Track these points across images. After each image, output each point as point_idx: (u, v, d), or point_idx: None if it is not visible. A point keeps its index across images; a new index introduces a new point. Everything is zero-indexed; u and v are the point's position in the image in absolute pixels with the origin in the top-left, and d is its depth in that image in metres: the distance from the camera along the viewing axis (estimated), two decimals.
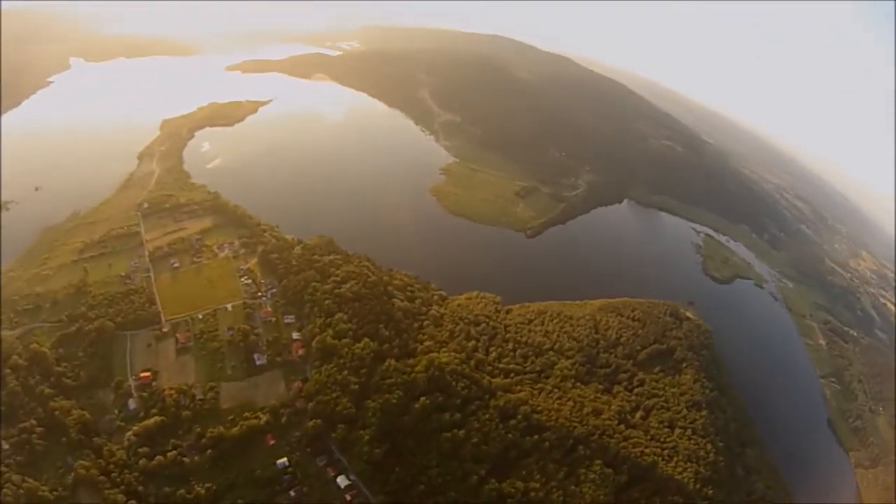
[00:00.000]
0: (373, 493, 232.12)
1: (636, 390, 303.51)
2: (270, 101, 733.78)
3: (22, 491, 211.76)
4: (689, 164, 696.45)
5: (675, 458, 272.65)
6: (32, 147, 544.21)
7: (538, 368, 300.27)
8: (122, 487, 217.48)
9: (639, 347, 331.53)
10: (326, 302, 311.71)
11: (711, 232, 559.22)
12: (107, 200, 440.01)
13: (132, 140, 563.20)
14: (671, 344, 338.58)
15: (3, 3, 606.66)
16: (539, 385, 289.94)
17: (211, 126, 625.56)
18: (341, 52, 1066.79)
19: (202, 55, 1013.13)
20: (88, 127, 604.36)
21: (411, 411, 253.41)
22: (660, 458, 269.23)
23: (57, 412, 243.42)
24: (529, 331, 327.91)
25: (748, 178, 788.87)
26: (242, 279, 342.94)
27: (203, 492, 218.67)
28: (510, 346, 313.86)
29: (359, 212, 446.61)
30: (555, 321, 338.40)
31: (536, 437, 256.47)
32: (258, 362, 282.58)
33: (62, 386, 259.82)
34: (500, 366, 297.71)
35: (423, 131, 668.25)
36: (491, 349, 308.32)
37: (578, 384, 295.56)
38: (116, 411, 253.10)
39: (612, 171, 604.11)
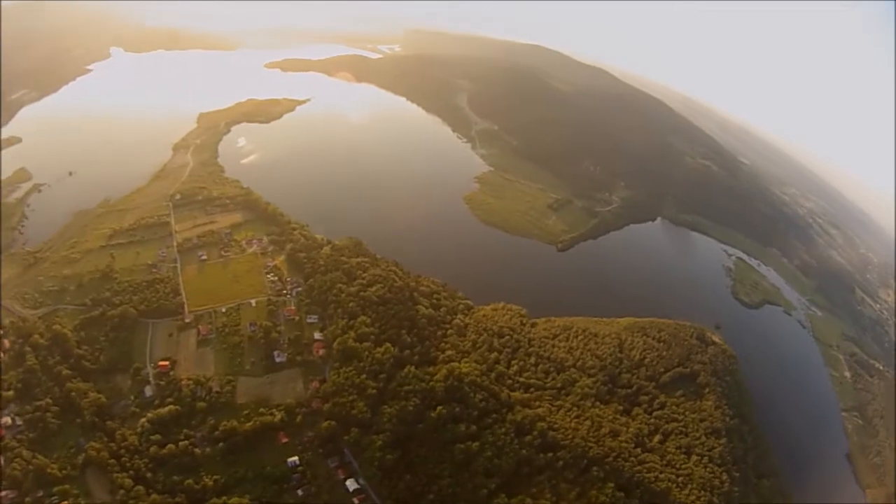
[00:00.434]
0: (381, 498, 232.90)
1: (656, 413, 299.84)
2: (308, 100, 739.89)
3: (31, 467, 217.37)
4: (724, 184, 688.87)
5: (689, 486, 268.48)
6: (68, 132, 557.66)
7: (559, 385, 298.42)
8: (131, 472, 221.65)
9: (662, 370, 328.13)
10: (351, 304, 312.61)
11: (743, 255, 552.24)
12: (139, 189, 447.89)
13: (168, 131, 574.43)
14: (695, 368, 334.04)
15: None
16: (558, 402, 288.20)
17: (248, 122, 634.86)
18: (382, 55, 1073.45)
19: (242, 51, 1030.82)
20: (125, 116, 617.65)
21: (427, 420, 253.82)
22: (674, 486, 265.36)
23: (73, 393, 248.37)
24: (553, 346, 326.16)
25: (782, 201, 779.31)
26: (268, 276, 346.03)
27: (211, 483, 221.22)
28: (532, 360, 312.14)
29: (390, 216, 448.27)
30: (580, 338, 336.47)
31: (551, 454, 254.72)
32: (278, 360, 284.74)
33: (81, 368, 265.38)
34: (521, 380, 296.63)
35: (459, 138, 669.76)
36: (513, 362, 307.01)
37: (598, 403, 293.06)
38: (132, 397, 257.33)
39: (647, 187, 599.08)
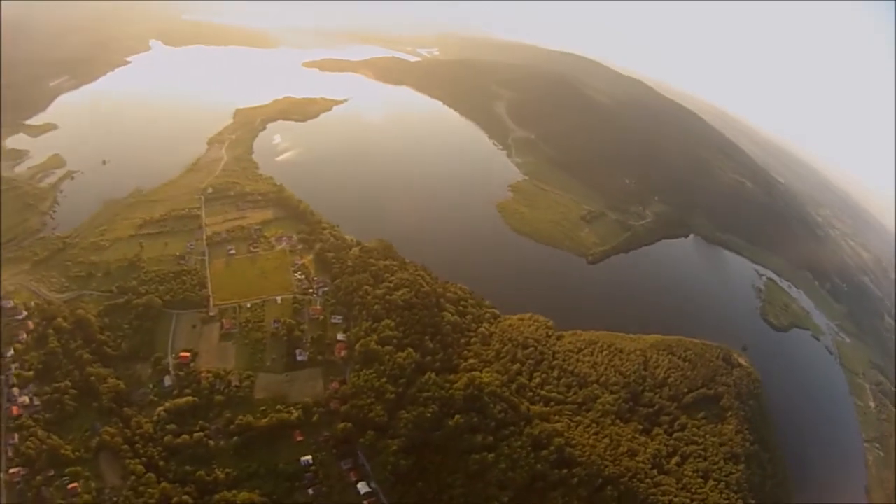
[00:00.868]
0: (391, 503, 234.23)
1: (676, 435, 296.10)
2: (345, 100, 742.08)
3: (45, 447, 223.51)
4: (758, 202, 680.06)
5: None
6: (104, 122, 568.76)
7: (580, 400, 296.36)
8: (144, 459, 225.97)
9: (686, 390, 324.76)
10: (376, 307, 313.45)
11: (774, 276, 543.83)
12: (172, 181, 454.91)
13: (204, 125, 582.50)
14: (719, 390, 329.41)
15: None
16: (578, 417, 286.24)
17: (284, 119, 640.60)
18: (420, 59, 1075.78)
19: (281, 49, 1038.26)
20: (161, 108, 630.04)
21: (444, 427, 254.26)
22: None
23: (93, 378, 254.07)
24: (577, 360, 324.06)
25: (815, 222, 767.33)
26: (296, 274, 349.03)
27: (223, 476, 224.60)
28: (555, 373, 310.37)
29: (422, 220, 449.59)
30: (605, 353, 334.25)
31: (566, 471, 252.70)
32: (299, 358, 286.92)
33: (102, 354, 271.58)
34: (542, 393, 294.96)
35: (495, 145, 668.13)
36: (535, 374, 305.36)
37: (618, 421, 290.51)
38: (151, 386, 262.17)
39: (681, 203, 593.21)
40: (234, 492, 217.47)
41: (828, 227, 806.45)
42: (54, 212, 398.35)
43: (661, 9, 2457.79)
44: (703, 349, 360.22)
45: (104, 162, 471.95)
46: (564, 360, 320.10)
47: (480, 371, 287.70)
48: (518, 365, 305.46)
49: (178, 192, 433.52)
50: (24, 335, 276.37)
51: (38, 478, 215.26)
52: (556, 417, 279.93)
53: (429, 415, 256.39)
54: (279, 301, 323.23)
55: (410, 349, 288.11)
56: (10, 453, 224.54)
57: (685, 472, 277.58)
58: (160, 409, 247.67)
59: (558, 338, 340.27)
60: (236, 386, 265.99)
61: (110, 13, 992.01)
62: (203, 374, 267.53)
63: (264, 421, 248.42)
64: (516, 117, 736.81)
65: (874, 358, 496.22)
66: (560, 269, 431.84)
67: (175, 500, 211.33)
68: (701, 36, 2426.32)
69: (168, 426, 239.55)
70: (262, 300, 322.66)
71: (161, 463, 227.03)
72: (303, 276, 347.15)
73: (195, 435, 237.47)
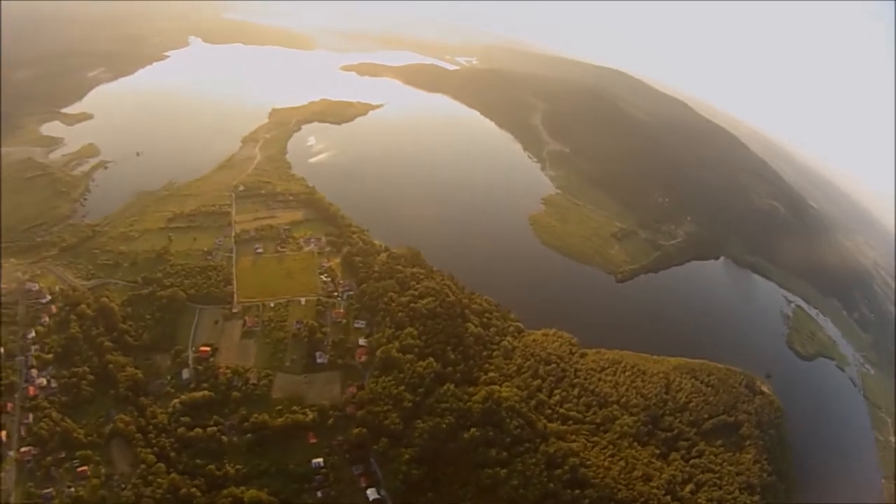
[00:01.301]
0: None
1: (692, 461, 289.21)
2: (382, 105, 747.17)
3: (58, 428, 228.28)
4: (791, 227, 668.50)
5: None
6: (140, 114, 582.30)
7: (598, 420, 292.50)
8: (156, 449, 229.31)
9: (706, 416, 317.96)
10: (400, 314, 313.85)
11: (802, 303, 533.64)
12: (204, 177, 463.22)
13: (239, 123, 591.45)
14: (740, 417, 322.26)
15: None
16: (595, 438, 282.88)
17: (319, 122, 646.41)
18: (458, 67, 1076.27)
19: (319, 51, 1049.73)
20: (198, 104, 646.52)
21: (459, 440, 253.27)
22: None
23: (111, 365, 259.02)
24: (599, 379, 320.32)
25: (846, 249, 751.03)
26: (322, 276, 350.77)
27: (233, 472, 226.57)
28: (576, 391, 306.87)
29: (452, 229, 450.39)
30: (627, 373, 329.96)
31: (578, 491, 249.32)
32: (319, 360, 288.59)
33: (123, 342, 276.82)
34: (561, 411, 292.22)
35: (530, 158, 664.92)
36: (555, 392, 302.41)
37: (635, 444, 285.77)
38: (169, 377, 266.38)
39: (713, 224, 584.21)
40: (243, 488, 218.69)
41: (858, 254, 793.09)
42: (85, 200, 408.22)
43: (661, 9, 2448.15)
44: (727, 374, 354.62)
45: (138, 154, 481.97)
46: (586, 379, 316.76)
47: (500, 385, 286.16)
48: (539, 381, 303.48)
49: (210, 188, 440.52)
50: (47, 318, 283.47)
51: (49, 458, 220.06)
52: (573, 437, 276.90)
53: (444, 426, 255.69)
54: (303, 302, 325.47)
55: (431, 359, 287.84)
56: (22, 432, 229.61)
57: (699, 500, 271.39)
58: (176, 401, 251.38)
59: (581, 355, 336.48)
60: (254, 384, 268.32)
61: (151, 8, 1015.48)
62: (222, 370, 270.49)
63: (279, 420, 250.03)
64: (552, 130, 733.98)
65: None
66: (588, 286, 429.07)
67: (183, 491, 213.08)
68: (700, 36, 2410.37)
69: (182, 418, 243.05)
70: (286, 300, 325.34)
71: (172, 454, 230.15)
72: (329, 279, 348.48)
73: (209, 429, 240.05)
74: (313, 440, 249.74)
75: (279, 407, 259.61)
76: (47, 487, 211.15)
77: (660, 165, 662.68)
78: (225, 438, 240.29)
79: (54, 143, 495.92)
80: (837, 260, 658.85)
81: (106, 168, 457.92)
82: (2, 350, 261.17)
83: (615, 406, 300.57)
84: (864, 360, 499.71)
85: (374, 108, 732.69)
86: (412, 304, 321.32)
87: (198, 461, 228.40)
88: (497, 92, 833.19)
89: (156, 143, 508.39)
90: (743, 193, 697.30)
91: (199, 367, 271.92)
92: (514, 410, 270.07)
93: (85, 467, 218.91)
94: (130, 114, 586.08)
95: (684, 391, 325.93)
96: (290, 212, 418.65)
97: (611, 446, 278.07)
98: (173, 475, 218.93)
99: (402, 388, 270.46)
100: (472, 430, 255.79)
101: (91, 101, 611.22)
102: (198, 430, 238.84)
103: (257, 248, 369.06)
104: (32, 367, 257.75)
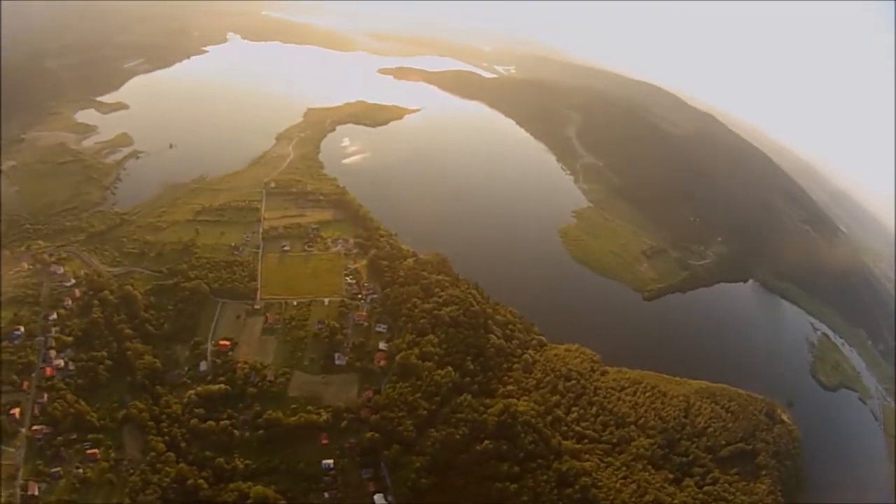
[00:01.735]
0: None
1: (706, 489, 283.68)
2: (418, 110, 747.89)
3: (72, 410, 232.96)
4: (820, 252, 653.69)
5: None
6: (175, 106, 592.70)
7: (614, 440, 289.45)
8: (167, 438, 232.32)
9: (723, 442, 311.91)
10: (422, 320, 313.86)
11: (829, 331, 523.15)
12: (236, 172, 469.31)
13: (274, 120, 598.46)
14: (757, 446, 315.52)
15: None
16: (609, 458, 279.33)
17: (354, 123, 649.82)
18: (496, 76, 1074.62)
19: (357, 53, 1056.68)
20: (233, 99, 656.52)
21: (471, 451, 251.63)
22: None
23: (129, 352, 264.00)
24: (618, 399, 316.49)
25: (874, 277, 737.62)
26: (347, 278, 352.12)
27: (241, 467, 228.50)
28: (594, 409, 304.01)
29: (481, 237, 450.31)
30: (647, 394, 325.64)
31: None
32: (337, 362, 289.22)
33: (143, 331, 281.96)
34: (577, 428, 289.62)
35: (563, 170, 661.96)
36: (573, 409, 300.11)
37: (649, 467, 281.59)
38: (186, 368, 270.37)
39: (744, 246, 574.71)
40: (250, 483, 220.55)
41: (886, 280, 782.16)
42: (116, 188, 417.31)
43: (661, 9, 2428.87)
44: (748, 401, 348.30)
45: (171, 146, 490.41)
46: (605, 397, 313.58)
47: (518, 399, 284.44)
48: (557, 397, 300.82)
49: (241, 184, 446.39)
50: (70, 302, 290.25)
51: (60, 438, 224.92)
52: (587, 456, 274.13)
53: (458, 436, 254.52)
54: (326, 303, 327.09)
55: (450, 368, 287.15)
56: (36, 411, 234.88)
57: None
58: (191, 392, 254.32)
59: (603, 373, 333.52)
60: (270, 381, 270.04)
61: (192, 6, 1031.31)
62: (240, 365, 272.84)
63: (293, 419, 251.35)
64: (586, 143, 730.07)
65: None
66: (614, 303, 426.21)
67: (190, 482, 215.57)
68: (700, 35, 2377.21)
69: (196, 410, 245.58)
70: (309, 299, 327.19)
71: (183, 444, 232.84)
72: (353, 281, 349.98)
73: (221, 422, 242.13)
74: (325, 441, 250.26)
75: (294, 405, 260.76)
76: (56, 466, 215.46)
77: (692, 183, 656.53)
78: (237, 433, 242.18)
79: (88, 130, 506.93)
80: (866, 288, 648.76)
81: (138, 158, 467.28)
82: (22, 329, 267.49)
83: (632, 427, 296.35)
84: (887, 392, 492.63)
85: (409, 112, 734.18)
86: (435, 312, 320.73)
87: (207, 453, 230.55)
88: (534, 102, 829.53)
89: (189, 136, 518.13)
90: (774, 215, 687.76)
91: (218, 361, 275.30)
92: (530, 425, 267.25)
93: (95, 450, 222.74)
94: (166, 106, 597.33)
95: (703, 416, 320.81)
96: (320, 211, 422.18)
97: (624, 468, 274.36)
98: (182, 465, 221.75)
99: (419, 395, 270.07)
100: (486, 442, 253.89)
101: (127, 92, 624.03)
102: (210, 422, 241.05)
103: (284, 246, 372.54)
104: (51, 348, 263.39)
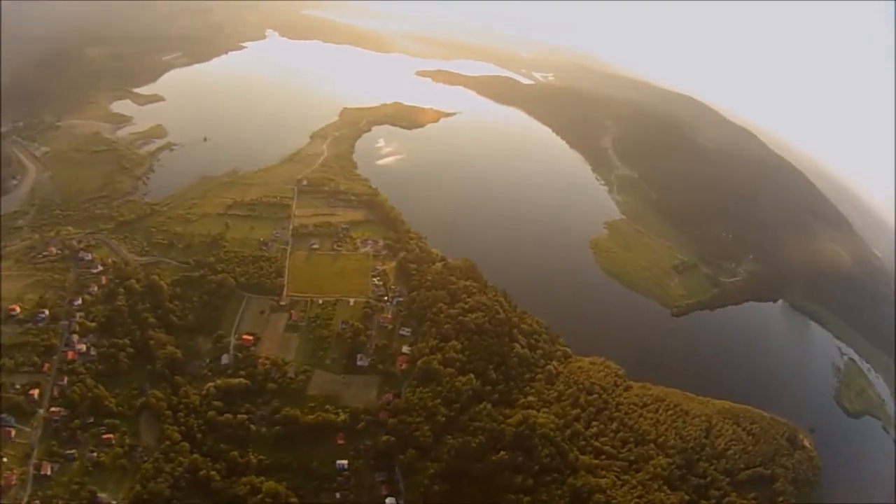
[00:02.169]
0: None
1: None
2: (455, 114, 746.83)
3: (90, 394, 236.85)
4: (853, 276, 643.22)
5: None
6: (211, 100, 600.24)
7: (632, 458, 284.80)
8: (183, 428, 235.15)
9: (742, 466, 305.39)
10: (446, 326, 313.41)
11: (856, 356, 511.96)
12: (269, 168, 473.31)
13: (309, 118, 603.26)
14: (776, 471, 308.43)
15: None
16: (625, 476, 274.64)
17: (390, 125, 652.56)
18: (535, 83, 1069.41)
19: (395, 54, 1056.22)
20: (270, 96, 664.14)
21: (486, 461, 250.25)
22: None
23: (152, 342, 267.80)
24: (640, 415, 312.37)
25: None
26: (374, 279, 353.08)
27: (255, 461, 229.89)
28: (614, 425, 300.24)
29: (512, 245, 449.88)
30: (669, 412, 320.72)
31: None
32: (359, 363, 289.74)
33: (167, 321, 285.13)
34: (595, 444, 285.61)
35: (598, 180, 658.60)
36: (593, 423, 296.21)
37: (665, 487, 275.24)
38: (208, 360, 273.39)
39: (775, 265, 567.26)
40: (262, 479, 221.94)
41: None
42: (148, 178, 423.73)
43: (661, 9, 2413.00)
44: (770, 424, 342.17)
45: (205, 139, 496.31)
46: (626, 413, 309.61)
47: (538, 410, 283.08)
48: (578, 410, 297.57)
49: (273, 180, 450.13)
50: (96, 288, 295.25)
51: (77, 421, 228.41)
52: (604, 472, 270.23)
53: (474, 445, 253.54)
54: (351, 303, 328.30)
55: (472, 375, 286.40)
56: (55, 393, 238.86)
57: None
58: (211, 384, 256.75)
59: (626, 388, 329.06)
60: (291, 378, 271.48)
61: (232, 5, 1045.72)
62: (261, 360, 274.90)
63: (310, 417, 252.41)
64: (622, 154, 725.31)
65: None
66: (642, 317, 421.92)
67: (202, 473, 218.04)
68: (700, 35, 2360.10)
69: (214, 402, 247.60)
70: (334, 299, 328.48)
71: (198, 435, 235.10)
72: (380, 283, 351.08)
73: (238, 416, 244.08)
74: (341, 441, 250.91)
75: (312, 404, 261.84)
76: (70, 448, 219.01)
77: (726, 199, 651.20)
78: (253, 427, 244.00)
79: (123, 120, 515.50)
80: None
81: (172, 150, 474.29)
82: (47, 312, 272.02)
83: (651, 445, 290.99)
84: None
85: (446, 116, 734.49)
86: (461, 318, 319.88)
87: (222, 446, 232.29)
88: (571, 110, 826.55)
89: (224, 131, 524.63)
90: (807, 235, 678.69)
91: (240, 355, 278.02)
92: (548, 438, 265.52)
93: (110, 435, 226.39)
94: (201, 99, 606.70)
95: (724, 437, 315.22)
96: (351, 211, 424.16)
97: (640, 486, 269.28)
98: (195, 456, 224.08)
99: (438, 401, 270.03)
100: (502, 453, 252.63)
101: (164, 84, 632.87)
102: (228, 415, 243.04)
103: (313, 244, 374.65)
104: (75, 332, 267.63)
